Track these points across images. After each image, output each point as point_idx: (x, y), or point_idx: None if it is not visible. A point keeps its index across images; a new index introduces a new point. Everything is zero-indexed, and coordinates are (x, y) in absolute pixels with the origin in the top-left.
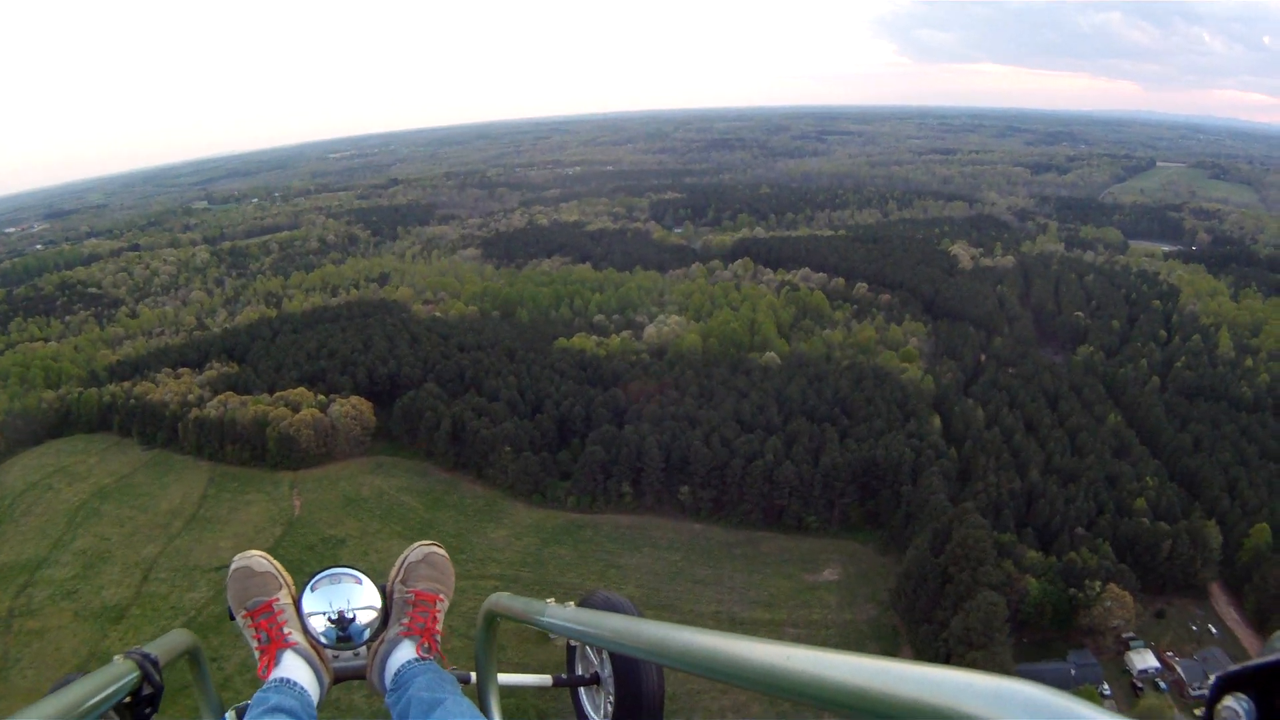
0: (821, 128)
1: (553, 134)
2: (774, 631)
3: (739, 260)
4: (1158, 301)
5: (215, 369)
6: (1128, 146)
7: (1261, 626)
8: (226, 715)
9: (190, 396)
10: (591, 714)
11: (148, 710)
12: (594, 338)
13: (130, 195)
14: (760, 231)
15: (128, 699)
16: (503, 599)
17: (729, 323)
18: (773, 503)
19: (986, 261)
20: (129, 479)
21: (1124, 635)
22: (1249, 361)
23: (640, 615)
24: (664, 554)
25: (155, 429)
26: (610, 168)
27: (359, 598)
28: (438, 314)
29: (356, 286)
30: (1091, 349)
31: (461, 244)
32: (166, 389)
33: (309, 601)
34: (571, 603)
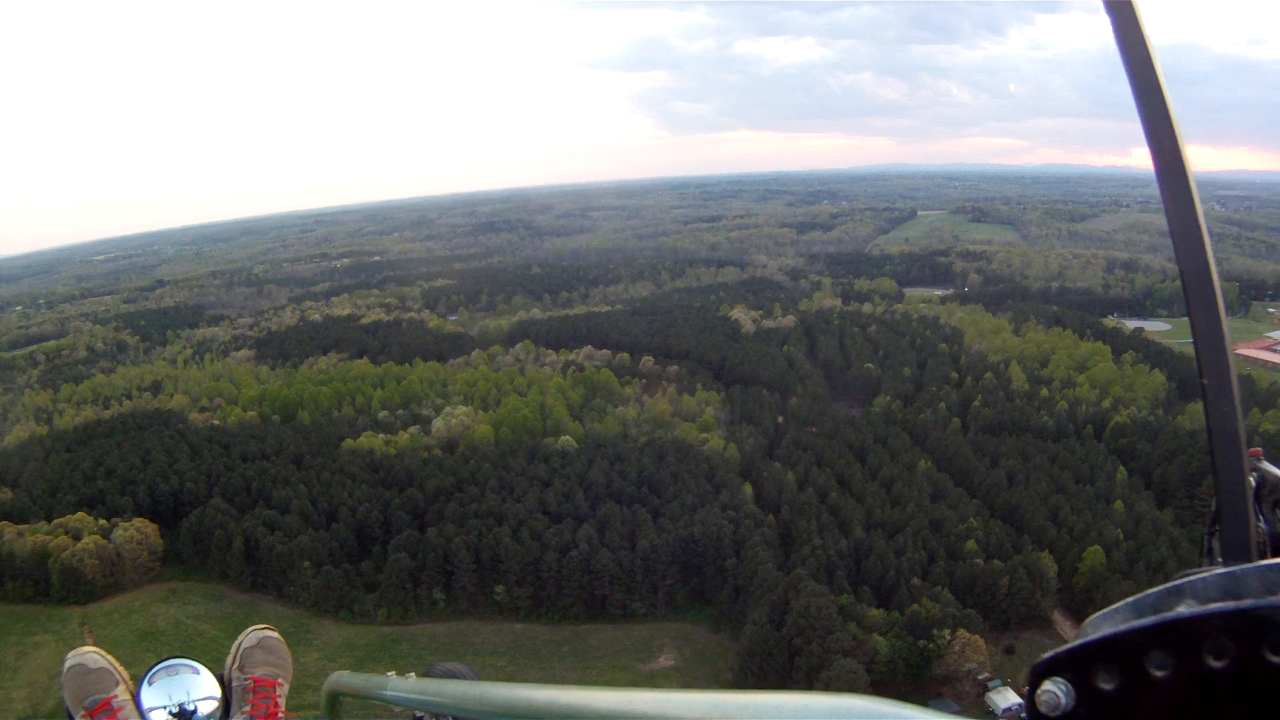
0: (585, 204)
1: (318, 226)
2: None
3: (519, 344)
4: (944, 345)
5: None
6: (887, 199)
7: None
8: None
9: None
10: None
11: None
12: (381, 436)
13: None
14: (537, 313)
15: None
16: (343, 677)
17: (519, 409)
18: (593, 593)
19: (769, 323)
20: None
21: (980, 677)
22: (1044, 391)
23: (477, 679)
24: (489, 660)
25: None
26: (379, 258)
27: (198, 688)
28: (216, 422)
29: (129, 397)
30: (888, 399)
31: (234, 345)
32: None
33: (148, 696)
34: (413, 674)
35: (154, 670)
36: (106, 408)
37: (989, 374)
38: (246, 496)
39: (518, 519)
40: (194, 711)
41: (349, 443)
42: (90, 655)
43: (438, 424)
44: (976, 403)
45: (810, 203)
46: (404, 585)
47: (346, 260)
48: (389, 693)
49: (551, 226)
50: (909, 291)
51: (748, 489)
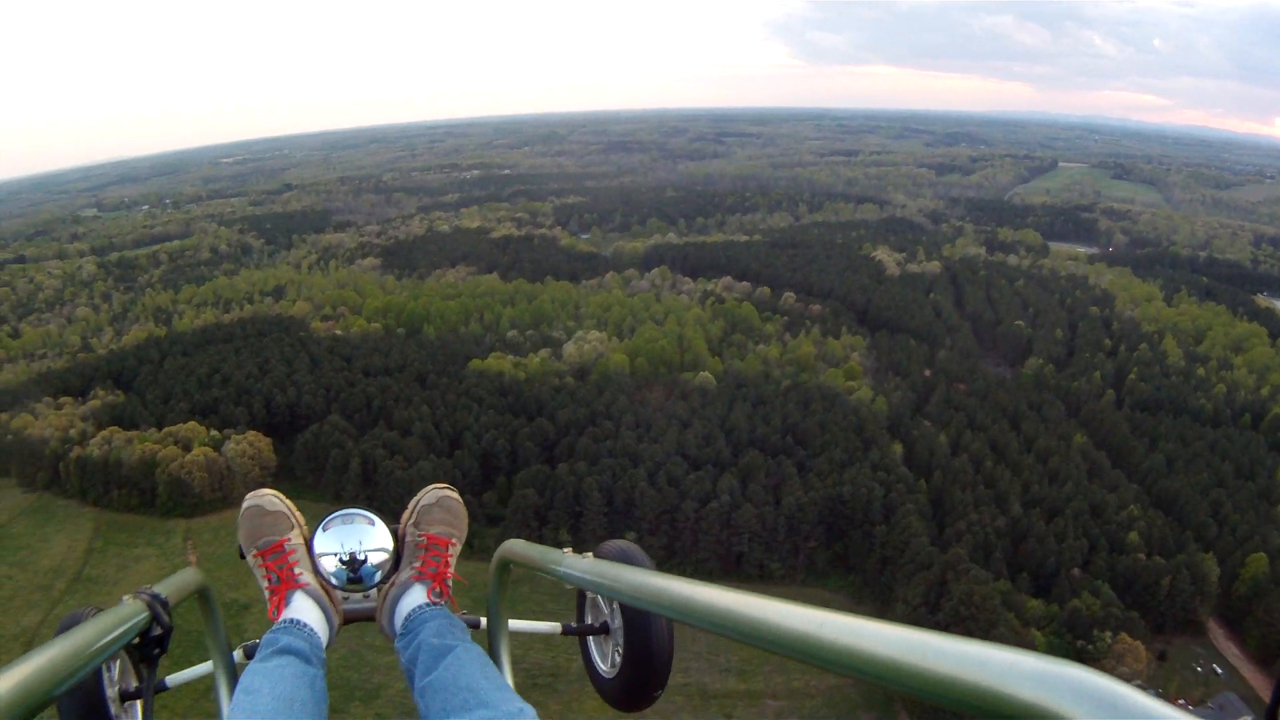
0: (719, 129)
1: (447, 138)
2: (754, 704)
3: (655, 269)
4: (1095, 308)
5: (100, 398)
6: (1027, 147)
7: (1267, 663)
8: (234, 655)
9: (73, 431)
10: (599, 662)
11: (156, 651)
12: (510, 357)
13: (18, 203)
14: (673, 237)
15: (136, 639)
16: (517, 546)
17: (657, 340)
18: (731, 549)
19: (913, 267)
20: (7, 529)
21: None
22: (1200, 371)
23: (653, 567)
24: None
25: (35, 469)
26: (508, 171)
27: (371, 539)
28: (339, 332)
29: (251, 301)
30: (1040, 361)
31: (360, 253)
32: (47, 423)
33: (321, 542)
34: (589, 554)
35: (330, 518)
36: (227, 311)
37: (1143, 345)
38: (366, 414)
39: (655, 461)
40: (364, 561)
41: (476, 363)
42: (269, 498)
43: (569, 349)
44: (1132, 375)
45: (948, 144)
46: (529, 523)
47: (476, 172)
48: (562, 569)
49: (685, 149)
50: (1054, 246)
51: (898, 448)
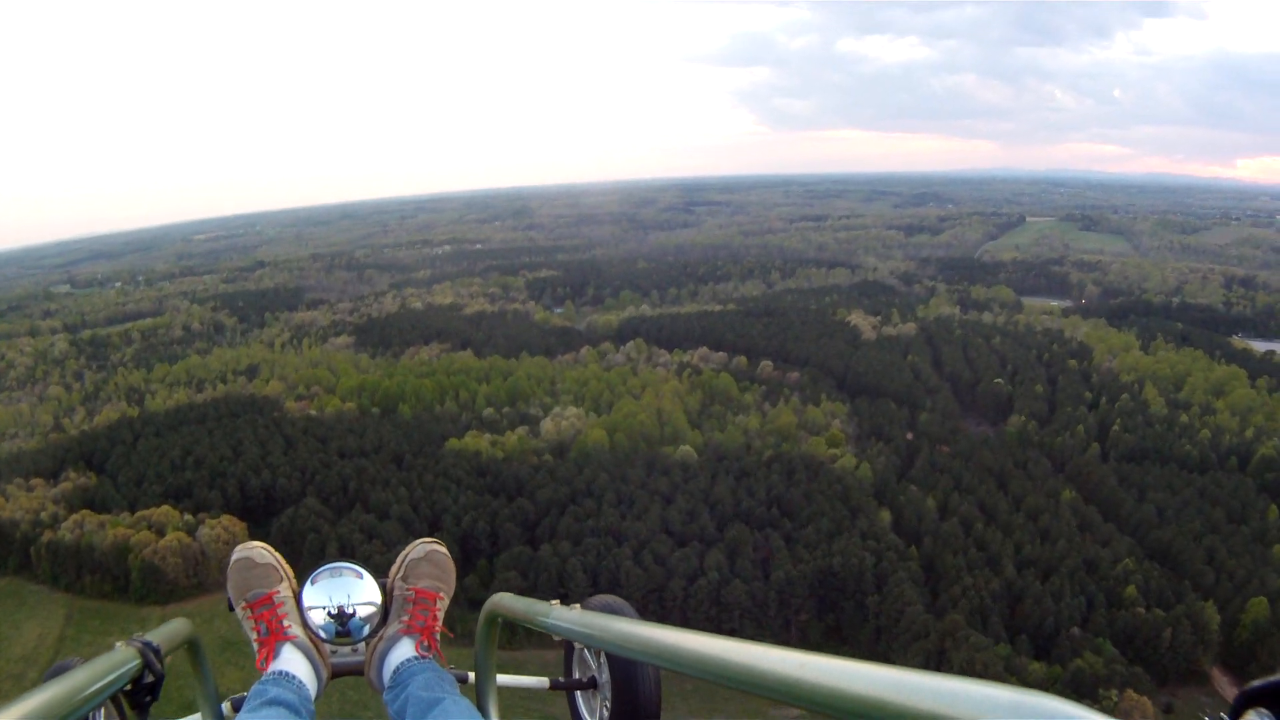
0: (689, 199)
1: (418, 213)
2: None
3: (631, 342)
4: (1073, 361)
5: (71, 479)
6: (993, 204)
7: None
8: (223, 706)
9: (44, 514)
10: (586, 717)
11: (148, 699)
12: (487, 436)
13: None
14: (646, 309)
15: (128, 686)
16: (505, 599)
17: (635, 414)
18: (721, 626)
19: (889, 330)
20: None
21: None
22: (1184, 417)
23: (636, 617)
24: None
25: (5, 553)
26: (480, 246)
27: (360, 593)
28: (313, 412)
29: (224, 380)
30: (1022, 418)
31: (333, 330)
32: (17, 505)
33: (309, 595)
34: (576, 606)
35: (318, 571)
36: (200, 390)
37: (1124, 395)
38: (343, 497)
39: (639, 539)
40: (353, 614)
41: (453, 442)
42: (258, 550)
43: (547, 425)
44: (1116, 427)
45: (916, 204)
46: None
47: (448, 247)
48: (550, 620)
49: (656, 220)
50: (1027, 301)
51: (885, 515)
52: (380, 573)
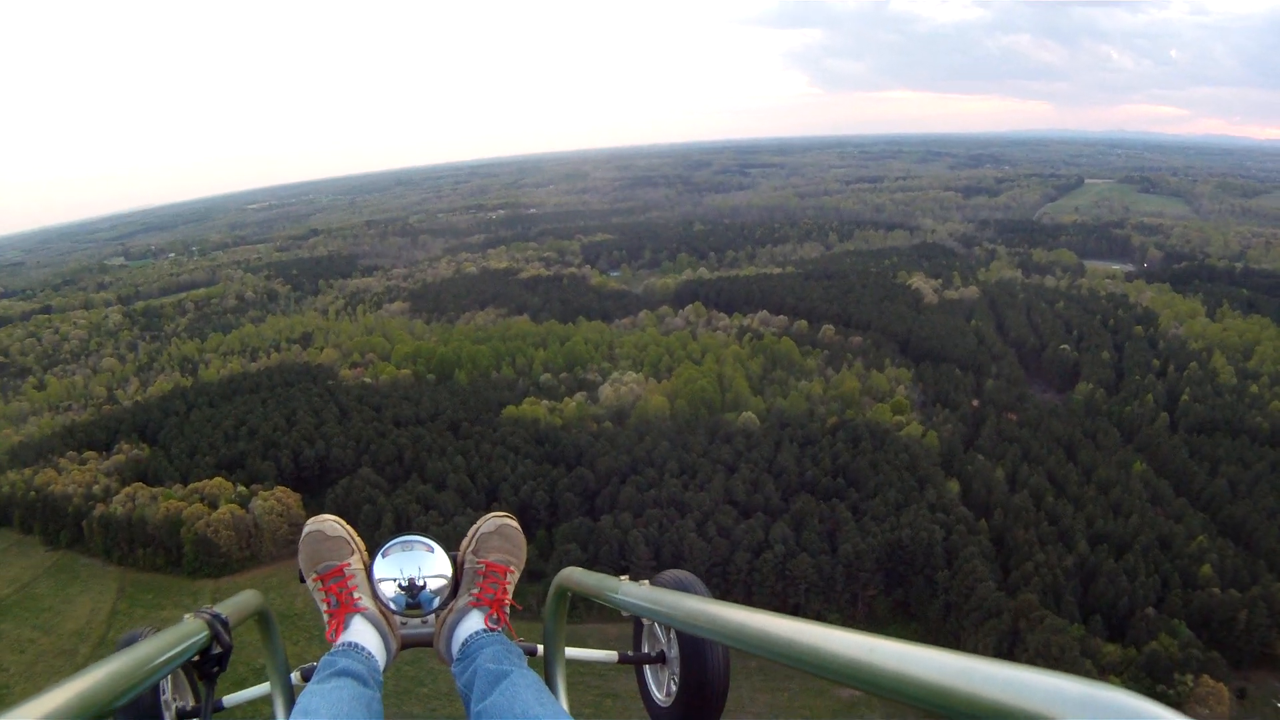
0: (743, 161)
1: (472, 178)
2: None
3: (689, 305)
4: (1139, 327)
5: (124, 452)
6: (1051, 165)
7: None
8: (292, 676)
9: (96, 488)
10: (655, 691)
11: (215, 669)
12: (544, 402)
13: (47, 252)
14: (704, 272)
15: (196, 657)
16: (575, 574)
17: (696, 380)
18: (786, 600)
19: (950, 293)
20: (30, 589)
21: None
22: (1254, 388)
23: (709, 595)
24: None
25: (59, 527)
26: (534, 210)
27: (430, 566)
28: (368, 380)
29: (277, 349)
30: (1089, 386)
31: (387, 297)
32: (70, 479)
33: (380, 567)
34: (645, 581)
35: (390, 544)
36: (254, 359)
37: (1193, 364)
38: (398, 467)
39: (702, 510)
40: (423, 587)
41: (510, 410)
42: (329, 523)
43: (606, 391)
44: (1185, 397)
45: (972, 166)
46: None
47: (502, 212)
48: (619, 596)
49: (710, 182)
50: (1089, 264)
51: (954, 486)
52: (451, 546)
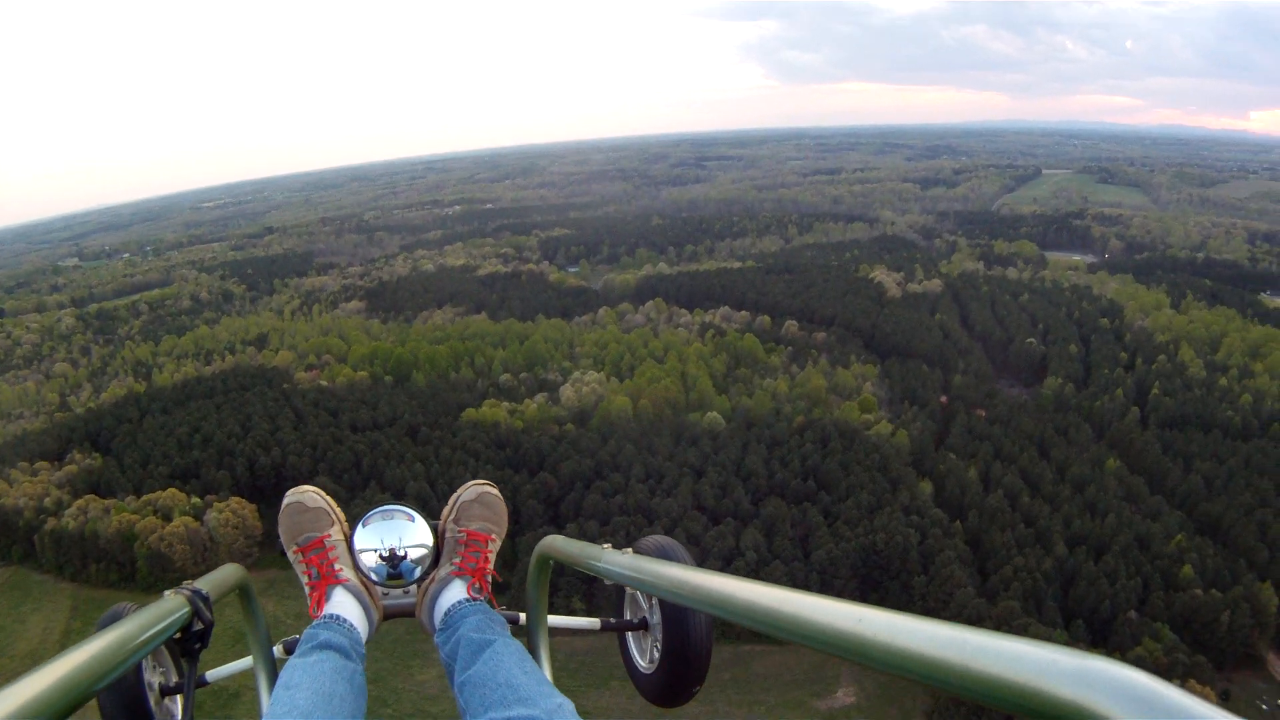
0: (700, 154)
1: (428, 173)
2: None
3: (650, 301)
4: (1105, 320)
5: (76, 462)
6: (1008, 156)
7: None
8: (275, 650)
9: (48, 501)
10: (638, 659)
11: (197, 645)
12: (505, 404)
13: (1, 254)
14: (664, 267)
15: (178, 635)
16: (557, 542)
17: (659, 379)
18: None
19: (914, 287)
20: None
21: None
22: (1223, 381)
23: (692, 562)
24: (627, 687)
25: (9, 542)
26: (491, 205)
27: (411, 535)
28: (324, 383)
29: (232, 351)
30: (1058, 380)
31: (343, 296)
32: (21, 491)
33: (361, 538)
34: (629, 549)
35: (370, 514)
36: (208, 363)
37: (1161, 357)
38: (356, 474)
39: (671, 517)
40: (404, 557)
41: (470, 413)
42: (309, 494)
43: (567, 391)
44: (1154, 390)
45: (929, 157)
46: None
47: (459, 207)
48: (601, 564)
49: (668, 176)
50: (1050, 256)
51: (926, 487)
52: (432, 515)
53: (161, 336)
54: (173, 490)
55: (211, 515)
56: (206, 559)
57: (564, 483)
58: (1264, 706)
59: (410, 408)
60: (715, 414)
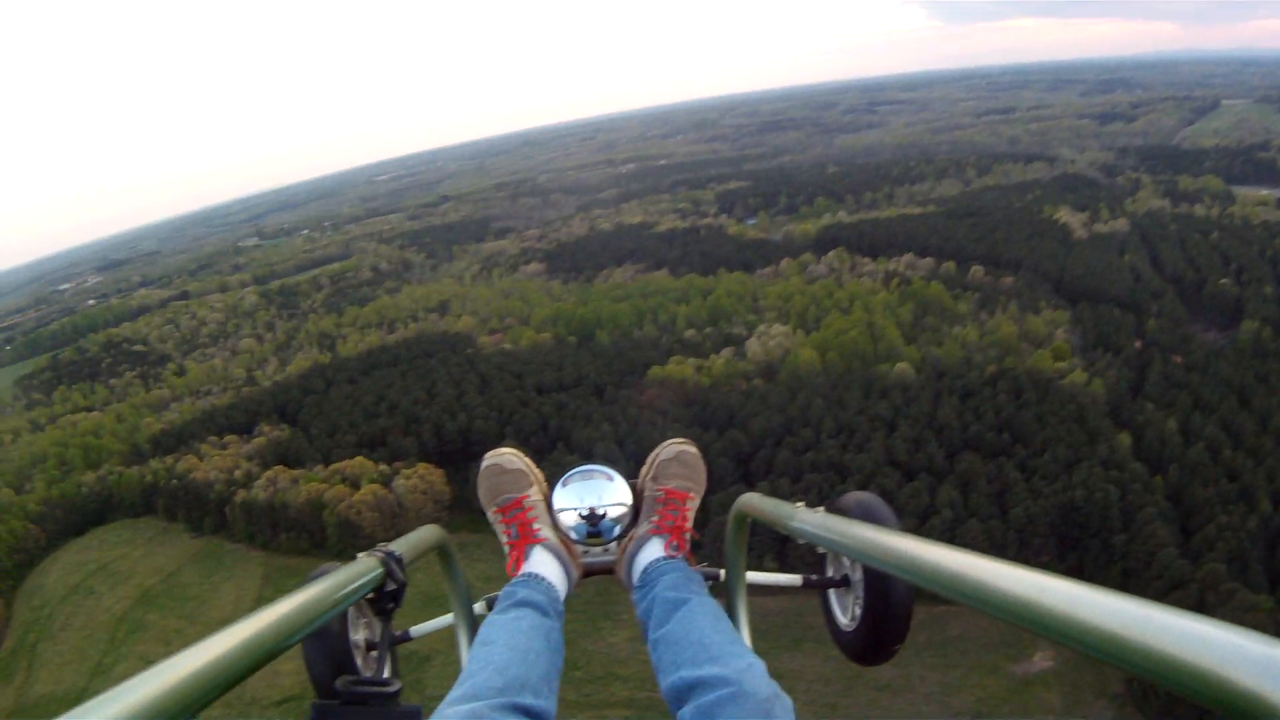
0: (870, 99)
1: (598, 134)
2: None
3: (831, 251)
4: None
5: (265, 434)
6: (1184, 87)
7: None
8: (476, 607)
9: (238, 473)
10: (839, 615)
11: (391, 605)
12: (691, 360)
13: (183, 239)
14: (843, 216)
15: (371, 595)
16: (754, 499)
17: (846, 331)
18: None
19: (1099, 227)
20: (176, 577)
21: None
22: None
23: (895, 521)
24: (833, 649)
25: (202, 513)
26: (664, 161)
27: (610, 494)
28: (508, 346)
29: (415, 319)
30: (1255, 323)
31: (522, 259)
32: (212, 464)
33: (560, 497)
34: (822, 508)
35: (570, 474)
36: (391, 331)
37: None
38: (544, 436)
39: (863, 474)
40: (603, 515)
41: (656, 370)
42: (507, 456)
43: (753, 346)
44: None
45: (1104, 92)
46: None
47: (632, 165)
48: (794, 524)
49: (839, 123)
50: (1237, 190)
51: (1125, 439)
52: (632, 474)
53: (344, 308)
54: (360, 459)
55: (399, 482)
56: (395, 525)
57: (754, 440)
58: None
59: (595, 367)
60: (905, 365)
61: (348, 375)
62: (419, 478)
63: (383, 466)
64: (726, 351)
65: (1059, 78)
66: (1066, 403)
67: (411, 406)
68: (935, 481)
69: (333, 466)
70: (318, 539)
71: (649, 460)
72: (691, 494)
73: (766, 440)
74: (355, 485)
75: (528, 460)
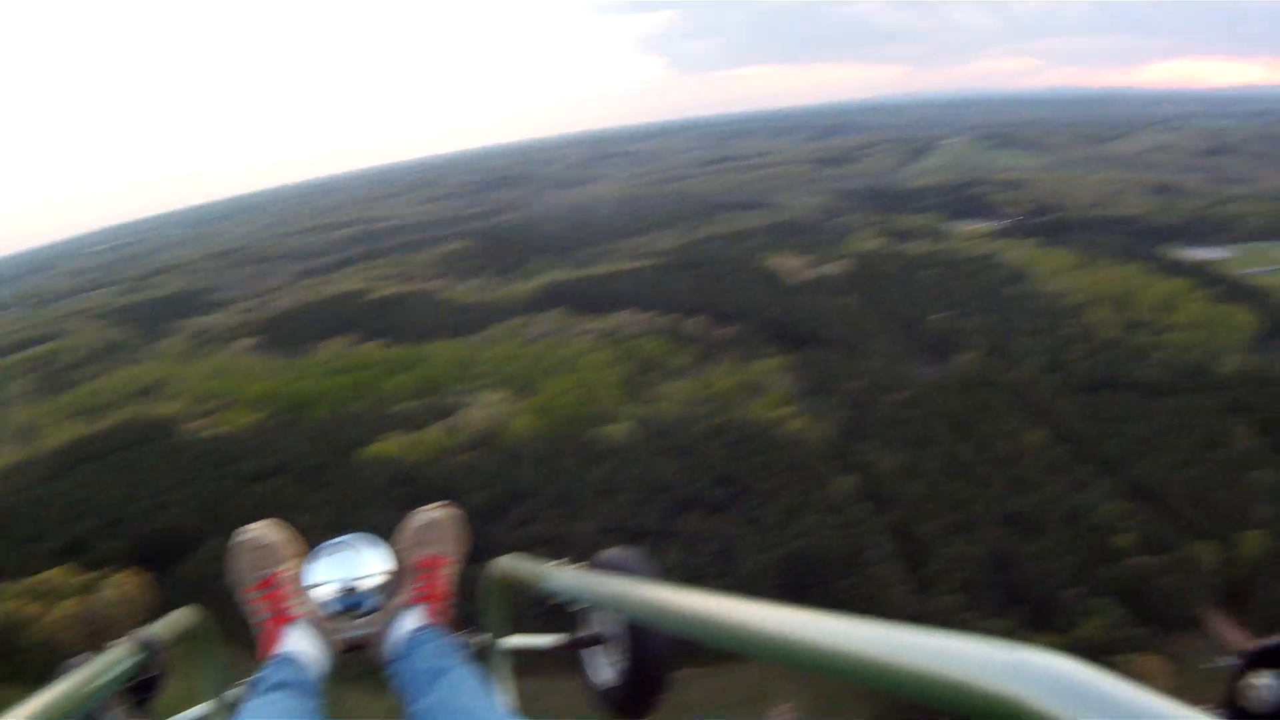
0: (599, 152)
1: (321, 196)
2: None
3: (551, 310)
4: (1012, 287)
5: None
6: (904, 129)
7: None
8: (232, 693)
9: None
10: (596, 674)
11: (147, 695)
12: (403, 436)
13: None
14: (561, 274)
15: (129, 683)
16: (508, 562)
17: (565, 393)
18: None
19: (818, 271)
20: None
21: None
22: (1138, 338)
23: (656, 573)
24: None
25: None
26: (385, 224)
27: (366, 564)
28: (218, 430)
29: (121, 405)
30: (970, 355)
31: (237, 333)
32: None
33: (315, 571)
34: (579, 565)
35: (322, 546)
36: (97, 419)
37: (1072, 319)
38: None
39: (586, 545)
40: (360, 587)
41: (362, 451)
42: (259, 530)
43: (469, 415)
44: (1070, 355)
45: (825, 137)
46: None
47: (353, 229)
48: (549, 583)
49: (565, 178)
50: (953, 226)
51: (849, 481)
52: (388, 543)
53: (49, 394)
54: (58, 569)
55: (104, 593)
56: (99, 639)
57: (472, 515)
58: (1212, 665)
59: (309, 449)
60: (623, 425)
61: (49, 472)
62: (124, 587)
63: (85, 576)
64: (441, 424)
65: (784, 125)
66: (788, 450)
67: (114, 505)
68: (659, 545)
69: (26, 581)
70: (16, 667)
71: (405, 527)
72: (447, 559)
73: (488, 517)
74: (58, 598)
75: (287, 531)
